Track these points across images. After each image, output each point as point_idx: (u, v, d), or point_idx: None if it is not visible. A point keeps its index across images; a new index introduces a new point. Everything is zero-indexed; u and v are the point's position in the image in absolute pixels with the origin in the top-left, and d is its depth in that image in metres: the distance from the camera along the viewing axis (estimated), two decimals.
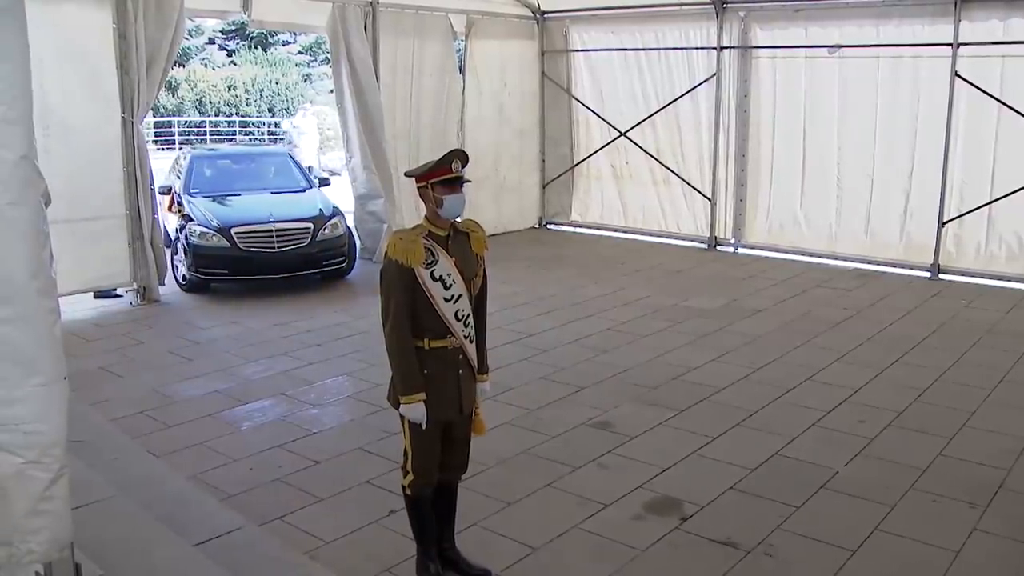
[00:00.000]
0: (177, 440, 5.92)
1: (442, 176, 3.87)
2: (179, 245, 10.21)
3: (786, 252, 12.07)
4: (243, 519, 4.69)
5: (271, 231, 9.96)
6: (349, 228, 10.98)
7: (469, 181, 3.98)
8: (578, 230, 14.21)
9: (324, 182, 12.02)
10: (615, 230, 13.78)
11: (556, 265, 11.57)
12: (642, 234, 13.47)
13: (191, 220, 10.12)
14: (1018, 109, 9.86)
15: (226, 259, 9.84)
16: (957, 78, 10.22)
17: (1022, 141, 9.99)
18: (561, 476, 5.38)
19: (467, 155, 3.97)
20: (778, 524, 4.80)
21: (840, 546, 4.58)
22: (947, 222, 10.64)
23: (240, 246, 9.81)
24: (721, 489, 5.21)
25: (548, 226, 14.47)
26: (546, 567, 4.40)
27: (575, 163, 14.03)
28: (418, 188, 3.96)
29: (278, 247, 9.95)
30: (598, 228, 13.98)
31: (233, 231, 9.85)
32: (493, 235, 12.65)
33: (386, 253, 3.92)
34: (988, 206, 10.37)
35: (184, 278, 10.28)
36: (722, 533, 4.71)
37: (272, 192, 11.25)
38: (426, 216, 3.99)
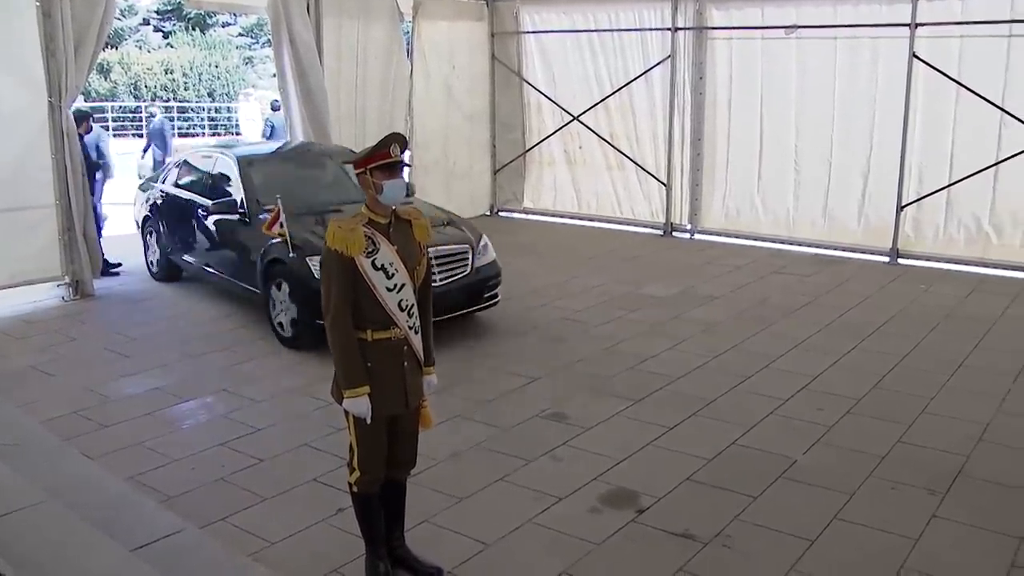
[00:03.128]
0: (114, 441, 5.67)
1: (380, 161, 3.72)
2: (280, 284, 7.56)
3: (743, 238, 12.03)
4: (184, 521, 4.46)
5: (430, 260, 8.06)
6: None
7: (409, 166, 3.82)
8: (530, 217, 14.07)
9: None
10: (568, 217, 13.65)
11: (508, 253, 11.34)
12: (596, 220, 13.35)
13: (298, 248, 7.25)
14: (976, 91, 9.86)
15: None
16: (915, 59, 10.21)
17: (980, 123, 9.99)
18: (514, 469, 5.24)
19: (406, 139, 3.83)
20: (736, 515, 4.71)
21: (799, 536, 4.50)
22: (906, 206, 10.65)
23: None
24: (678, 480, 5.11)
25: (500, 213, 14.30)
26: (499, 563, 4.27)
27: (527, 148, 13.87)
28: (357, 175, 3.83)
29: (440, 280, 7.36)
30: (551, 215, 13.85)
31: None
32: None
33: (325, 243, 3.75)
34: (947, 189, 10.38)
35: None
36: (679, 525, 4.61)
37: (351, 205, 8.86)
38: (366, 203, 3.83)
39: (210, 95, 34.35)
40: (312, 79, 10.91)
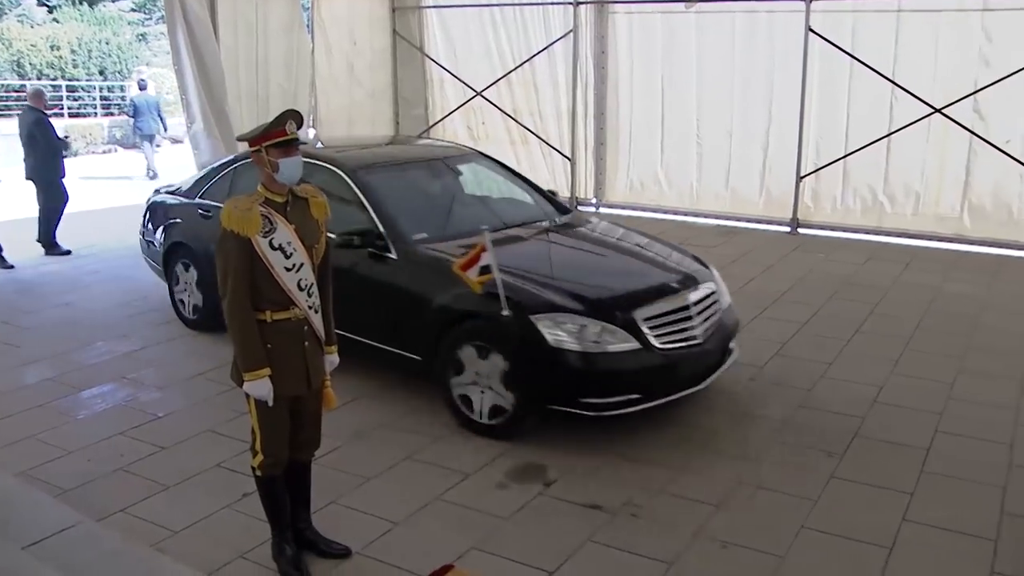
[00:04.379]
0: (2, 435, 5.43)
1: (276, 139, 3.63)
2: (483, 349, 5.31)
3: (648, 211, 12.16)
4: (80, 515, 4.35)
5: (686, 306, 5.46)
6: None
7: (305, 143, 3.74)
8: None
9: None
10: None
11: None
12: None
13: (517, 303, 5.12)
14: (869, 64, 10.15)
15: (641, 373, 5.18)
16: (811, 33, 10.44)
17: (874, 96, 10.29)
18: (422, 448, 5.22)
19: (302, 116, 3.73)
20: (642, 484, 4.78)
21: (705, 501, 4.60)
22: (804, 177, 10.92)
23: (656, 344, 5.21)
24: (585, 452, 5.15)
25: None
26: (408, 541, 4.25)
27: (430, 124, 13.75)
28: (252, 153, 3.72)
29: (701, 333, 5.47)
30: None
31: (640, 317, 5.24)
32: None
33: (220, 223, 3.64)
34: (843, 161, 10.66)
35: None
36: (587, 496, 4.66)
37: (529, 227, 6.47)
38: (262, 182, 3.73)
39: (101, 73, 32.98)
40: (208, 57, 10.56)
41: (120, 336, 7.30)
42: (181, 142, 16.95)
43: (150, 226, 7.96)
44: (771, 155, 11.16)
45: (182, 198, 7.66)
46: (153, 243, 7.87)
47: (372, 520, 4.42)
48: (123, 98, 28.43)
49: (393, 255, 5.74)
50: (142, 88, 18.66)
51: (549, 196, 7.10)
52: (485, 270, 4.87)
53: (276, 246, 3.65)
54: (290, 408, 3.86)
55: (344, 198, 6.06)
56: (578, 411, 5.10)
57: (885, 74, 10.11)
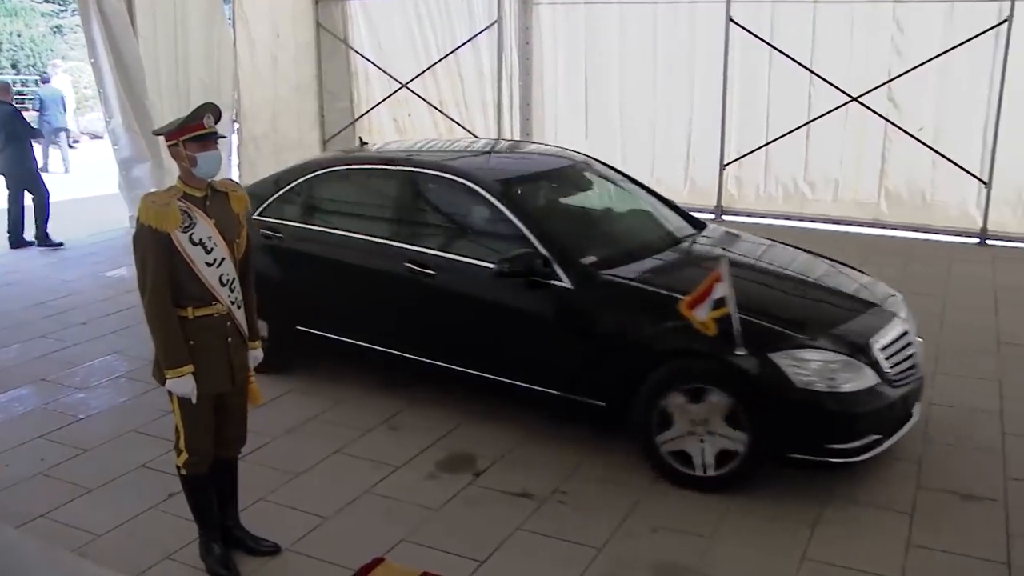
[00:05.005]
0: None
1: (193, 132, 3.58)
2: (698, 392, 4.55)
3: None
4: None
5: (906, 331, 4.91)
6: None
7: (224, 137, 3.70)
8: None
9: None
10: None
11: None
12: None
13: (756, 337, 4.44)
14: (788, 54, 10.35)
15: (883, 410, 4.54)
16: (732, 24, 10.61)
17: (793, 85, 10.49)
18: (351, 441, 5.21)
19: (220, 109, 3.69)
20: (570, 471, 4.84)
21: (633, 486, 4.67)
22: (727, 165, 11.09)
23: (891, 376, 4.60)
24: (513, 441, 5.19)
25: None
26: (338, 535, 4.25)
27: (356, 117, 13.64)
28: (169, 147, 3.66)
29: (904, 369, 4.75)
30: None
31: (876, 347, 4.61)
32: None
33: (138, 219, 3.59)
34: (764, 149, 10.86)
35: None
36: (516, 485, 4.70)
37: (664, 240, 5.66)
38: (180, 177, 3.68)
39: (14, 67, 31.93)
40: (126, 50, 10.29)
41: (38, 337, 7.12)
42: (100, 137, 16.51)
43: None
44: (694, 144, 11.32)
45: None
46: None
47: (301, 516, 4.40)
48: (37, 93, 27.60)
49: (565, 283, 4.88)
50: (45, 81, 18.29)
51: (674, 205, 6.27)
52: (719, 303, 4.25)
53: (197, 241, 3.61)
54: (215, 405, 3.83)
55: (480, 212, 5.39)
56: (823, 459, 4.44)
57: (804, 63, 10.32)
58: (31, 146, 10.05)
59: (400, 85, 12.91)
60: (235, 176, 11.43)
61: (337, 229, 5.83)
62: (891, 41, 9.94)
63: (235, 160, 11.99)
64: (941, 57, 9.63)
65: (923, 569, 3.98)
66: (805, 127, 10.54)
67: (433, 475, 4.83)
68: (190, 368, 3.64)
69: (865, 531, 4.27)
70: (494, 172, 5.70)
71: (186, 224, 3.59)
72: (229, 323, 3.78)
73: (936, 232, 10.06)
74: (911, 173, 10.22)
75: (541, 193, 5.81)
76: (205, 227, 3.64)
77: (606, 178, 6.27)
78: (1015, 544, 4.12)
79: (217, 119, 3.65)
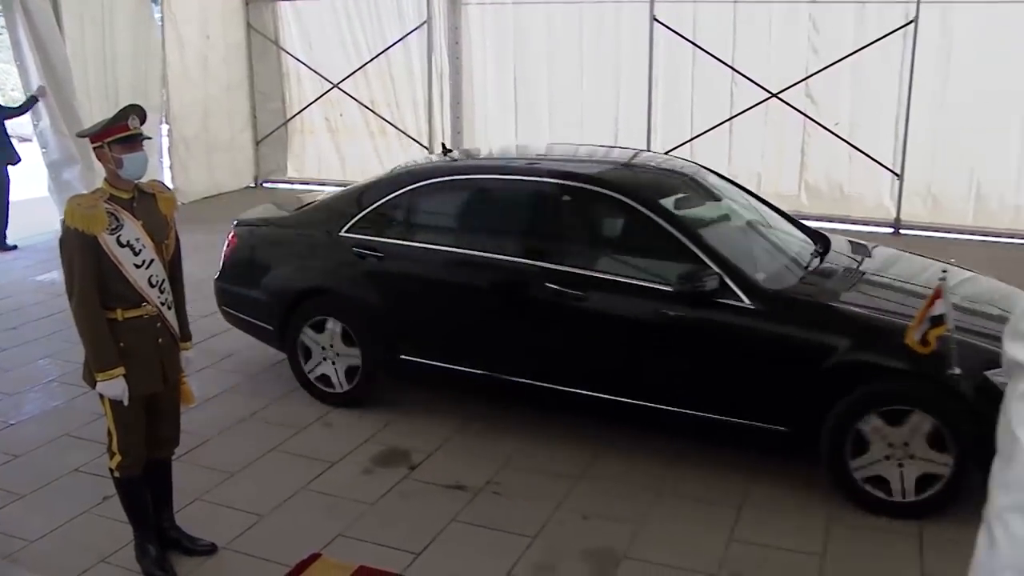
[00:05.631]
0: None
1: (118, 134, 3.60)
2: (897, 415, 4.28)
3: None
4: None
5: None
6: None
7: (149, 138, 3.73)
8: (296, 187, 13.79)
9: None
10: (334, 184, 13.41)
11: None
12: None
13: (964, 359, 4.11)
14: (711, 52, 10.60)
15: None
16: (656, 23, 10.83)
17: (715, 82, 10.75)
18: (286, 439, 5.25)
19: (145, 110, 3.72)
20: (504, 462, 4.95)
21: (565, 475, 4.80)
22: None
23: None
24: (447, 435, 5.28)
25: (264, 185, 13.89)
26: (275, 532, 4.30)
27: (288, 118, 13.59)
28: (94, 149, 3.68)
29: None
30: (317, 183, 13.55)
31: None
32: (206, 198, 12.12)
33: (63, 221, 3.61)
34: (689, 144, 11.06)
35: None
36: (450, 477, 4.79)
37: (809, 253, 5.33)
38: (106, 179, 3.71)
39: None
40: (52, 51, 10.13)
41: None
42: (29, 140, 16.13)
43: (243, 269, 6.04)
44: (621, 141, 11.37)
45: (307, 230, 5.87)
46: (249, 294, 5.95)
47: (238, 514, 4.43)
48: None
49: (747, 302, 4.54)
50: None
51: (791, 218, 5.90)
52: (937, 321, 4.01)
53: (124, 243, 3.63)
54: (147, 406, 3.84)
55: (634, 234, 5.06)
56: None
57: (726, 61, 10.59)
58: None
59: (332, 85, 12.92)
60: (166, 178, 11.34)
61: (455, 247, 5.29)
62: (808, 40, 10.28)
63: (166, 161, 11.88)
64: (854, 55, 10.00)
65: (845, 544, 4.17)
66: (728, 123, 10.82)
67: (369, 470, 4.90)
68: (120, 370, 3.66)
69: (790, 511, 4.44)
70: (653, 188, 5.27)
71: (113, 226, 3.62)
72: (159, 324, 3.80)
73: (854, 223, 10.36)
74: (829, 167, 10.58)
75: (692, 206, 5.34)
76: (133, 229, 3.66)
77: (723, 188, 5.80)
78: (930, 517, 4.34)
79: (142, 120, 3.67)
